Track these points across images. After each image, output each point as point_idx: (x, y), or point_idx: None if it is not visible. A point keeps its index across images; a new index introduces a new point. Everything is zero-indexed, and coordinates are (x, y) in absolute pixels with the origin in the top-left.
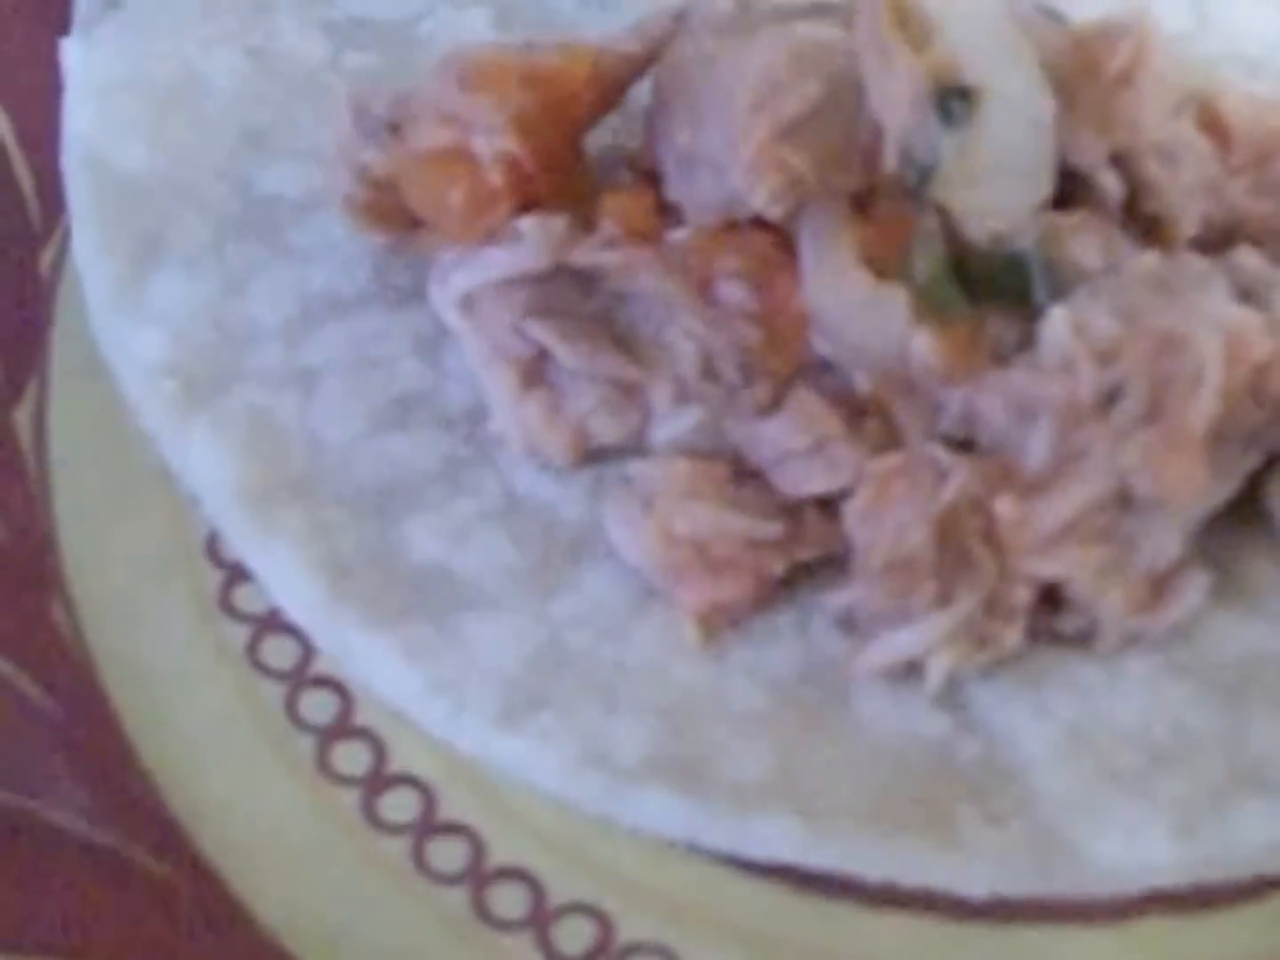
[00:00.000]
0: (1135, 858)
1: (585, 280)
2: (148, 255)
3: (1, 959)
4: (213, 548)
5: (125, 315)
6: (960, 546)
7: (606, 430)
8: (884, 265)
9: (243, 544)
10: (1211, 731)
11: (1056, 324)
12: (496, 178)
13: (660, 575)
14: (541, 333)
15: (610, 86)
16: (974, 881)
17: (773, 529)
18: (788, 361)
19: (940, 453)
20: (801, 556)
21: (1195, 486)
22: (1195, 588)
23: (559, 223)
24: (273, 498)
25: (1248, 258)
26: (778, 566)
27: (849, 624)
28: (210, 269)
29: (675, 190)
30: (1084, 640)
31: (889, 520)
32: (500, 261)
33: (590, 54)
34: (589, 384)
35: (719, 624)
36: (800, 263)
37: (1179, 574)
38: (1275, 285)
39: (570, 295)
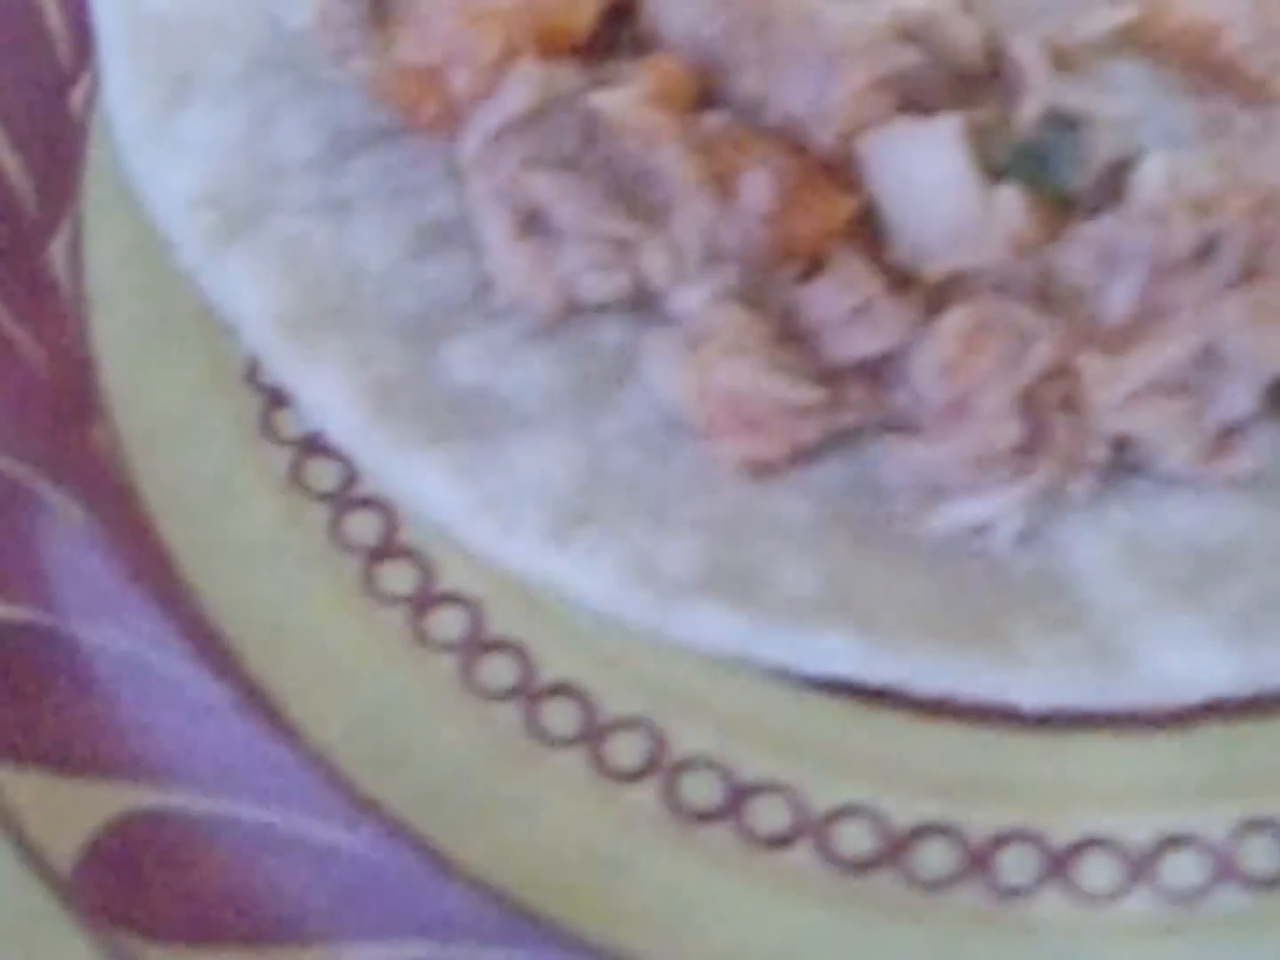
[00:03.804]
0: (1193, 668)
1: (593, 135)
2: (178, 92)
3: (61, 780)
4: (252, 374)
5: (158, 151)
6: (1040, 414)
7: (595, 289)
8: None
9: (284, 371)
10: (1269, 541)
11: (1152, 172)
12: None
13: (694, 423)
14: (540, 183)
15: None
16: (1030, 693)
17: (812, 395)
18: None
19: (1023, 313)
20: (840, 425)
21: None
22: (1263, 442)
23: (551, 67)
24: (313, 324)
25: None
26: (813, 433)
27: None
28: (241, 103)
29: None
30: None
31: (970, 386)
32: (493, 109)
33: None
34: (582, 240)
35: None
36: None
37: (1249, 427)
38: None
39: (575, 145)
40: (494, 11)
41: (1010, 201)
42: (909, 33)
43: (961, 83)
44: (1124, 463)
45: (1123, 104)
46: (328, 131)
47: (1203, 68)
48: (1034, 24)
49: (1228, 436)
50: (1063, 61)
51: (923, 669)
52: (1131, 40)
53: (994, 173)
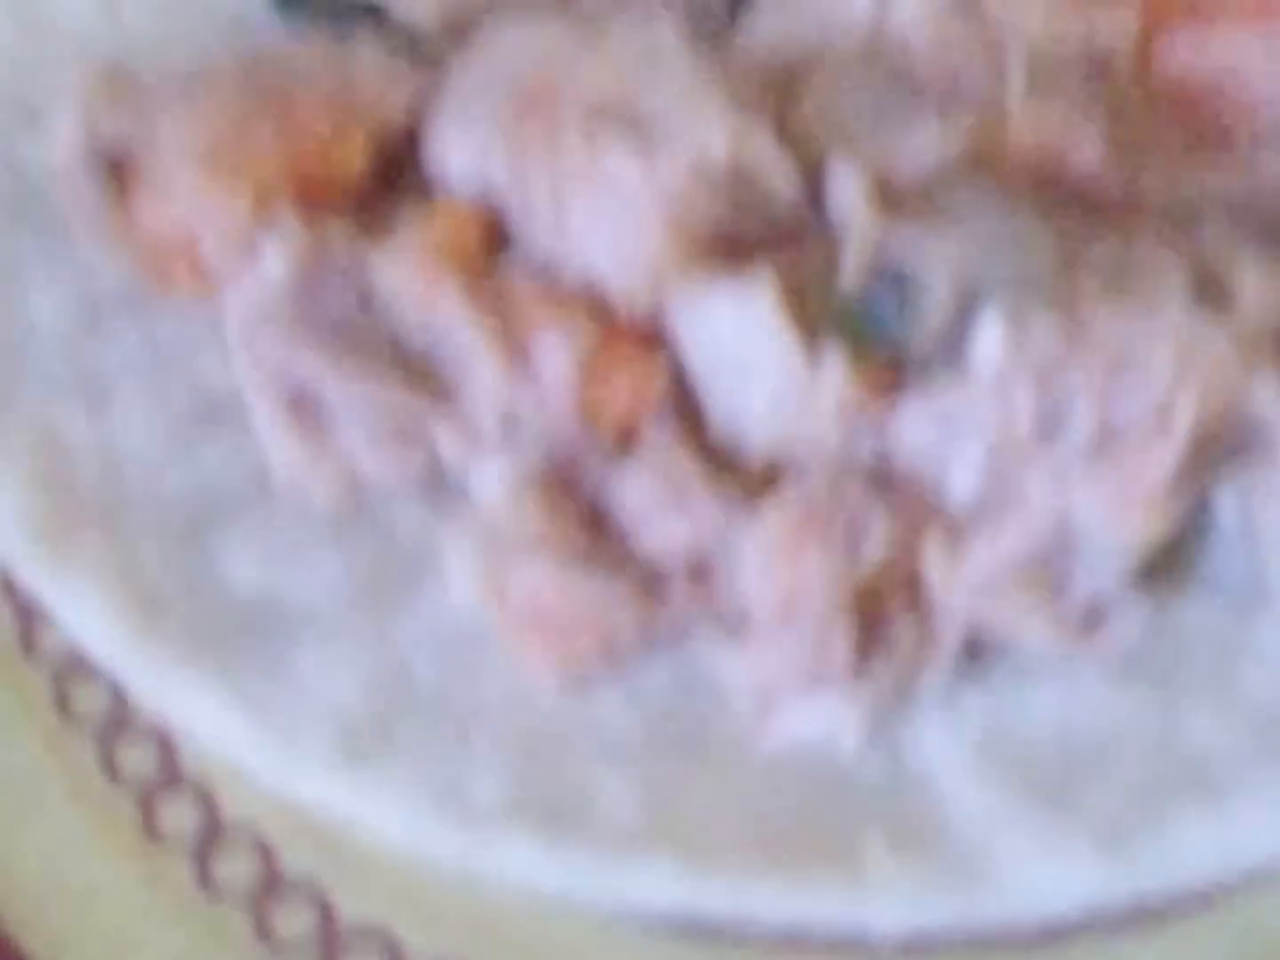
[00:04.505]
0: (1062, 879)
1: (370, 298)
2: None
3: None
4: (5, 585)
5: None
6: (879, 607)
7: (382, 473)
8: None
9: (37, 579)
10: (1140, 729)
11: (990, 338)
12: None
13: (497, 631)
14: (310, 359)
15: (396, 146)
16: (886, 918)
17: (624, 597)
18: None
19: (855, 498)
20: (662, 623)
21: (1155, 534)
22: (1133, 619)
23: (316, 222)
24: (69, 527)
25: (1211, 228)
26: (630, 634)
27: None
28: None
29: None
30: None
31: (796, 585)
32: (252, 277)
33: (368, 125)
34: (363, 419)
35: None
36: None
37: (1115, 604)
38: (1237, 262)
39: (349, 312)
40: (244, 163)
41: (835, 370)
42: (714, 176)
43: (780, 223)
44: (980, 648)
45: (959, 245)
46: (82, 294)
47: (1052, 188)
48: (858, 145)
49: (1092, 616)
50: (891, 193)
51: (760, 899)
52: (970, 160)
53: (819, 332)
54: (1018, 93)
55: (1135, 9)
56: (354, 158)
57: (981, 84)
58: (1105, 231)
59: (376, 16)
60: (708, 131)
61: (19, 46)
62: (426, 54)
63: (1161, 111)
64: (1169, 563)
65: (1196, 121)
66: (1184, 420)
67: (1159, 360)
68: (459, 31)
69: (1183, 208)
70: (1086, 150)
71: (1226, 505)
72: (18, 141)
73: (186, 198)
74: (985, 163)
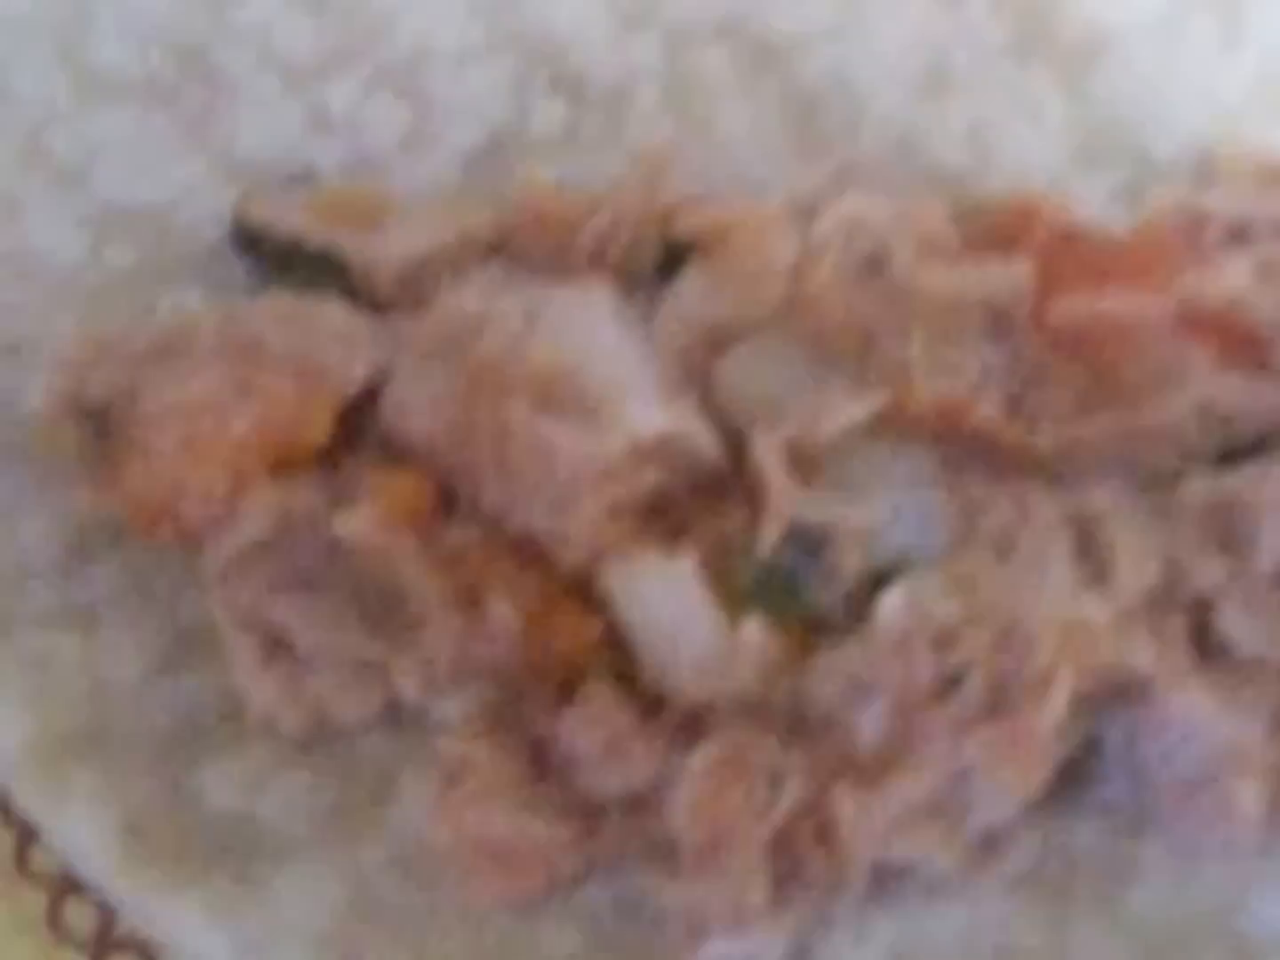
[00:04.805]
0: None
1: (335, 553)
2: None
3: None
4: (3, 806)
5: None
6: (794, 851)
7: (345, 709)
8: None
9: (32, 803)
10: (1033, 942)
11: (892, 604)
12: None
13: (452, 858)
14: (282, 608)
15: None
16: None
17: (565, 834)
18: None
19: (773, 749)
20: (602, 852)
21: (1040, 780)
22: (1028, 843)
23: (286, 484)
24: (61, 754)
25: (1098, 487)
26: (571, 865)
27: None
28: None
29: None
30: None
31: (721, 824)
32: (230, 538)
33: (331, 394)
34: (330, 661)
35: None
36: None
37: (1011, 830)
38: (1118, 525)
39: (317, 565)
40: (220, 445)
41: (754, 634)
42: (646, 454)
43: (705, 483)
44: (886, 872)
45: (869, 511)
46: (69, 529)
47: (956, 441)
48: (777, 410)
49: (989, 841)
50: (807, 462)
51: None
52: (880, 417)
53: (740, 596)
54: (920, 351)
55: (1031, 268)
56: (319, 427)
57: (890, 341)
58: (1001, 484)
59: (336, 267)
60: (642, 413)
61: (3, 284)
62: (384, 303)
63: (1056, 360)
64: (1061, 787)
65: (1088, 368)
66: (1063, 687)
67: (1043, 633)
68: (414, 284)
69: (1073, 462)
70: (985, 406)
71: (1112, 737)
72: (6, 380)
73: (166, 470)
74: (893, 418)
